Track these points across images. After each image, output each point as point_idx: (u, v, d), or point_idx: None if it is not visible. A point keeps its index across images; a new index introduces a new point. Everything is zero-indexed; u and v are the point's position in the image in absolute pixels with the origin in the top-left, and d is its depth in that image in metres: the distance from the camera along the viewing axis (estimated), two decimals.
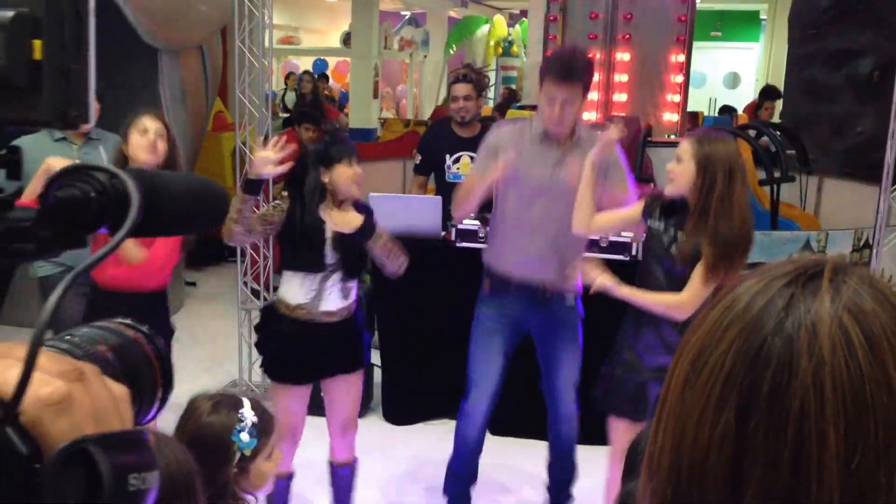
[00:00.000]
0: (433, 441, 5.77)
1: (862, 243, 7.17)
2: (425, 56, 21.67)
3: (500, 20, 22.28)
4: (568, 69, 4.13)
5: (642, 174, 7.85)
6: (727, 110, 13.71)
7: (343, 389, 4.35)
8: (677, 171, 3.81)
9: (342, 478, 4.50)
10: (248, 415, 2.69)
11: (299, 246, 4.10)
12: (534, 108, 10.56)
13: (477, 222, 5.99)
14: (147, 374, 0.83)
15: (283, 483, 4.28)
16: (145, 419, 0.83)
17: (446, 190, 6.39)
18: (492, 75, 23.01)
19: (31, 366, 0.65)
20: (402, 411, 6.31)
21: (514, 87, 19.61)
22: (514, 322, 4.52)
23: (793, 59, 12.24)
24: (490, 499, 5.14)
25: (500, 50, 22.03)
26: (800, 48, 11.98)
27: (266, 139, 6.68)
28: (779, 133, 9.44)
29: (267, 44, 6.93)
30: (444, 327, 5.97)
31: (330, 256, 4.13)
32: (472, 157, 6.23)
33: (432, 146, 6.59)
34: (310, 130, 9.81)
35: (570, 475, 4.73)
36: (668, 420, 0.93)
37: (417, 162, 6.72)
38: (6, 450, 0.64)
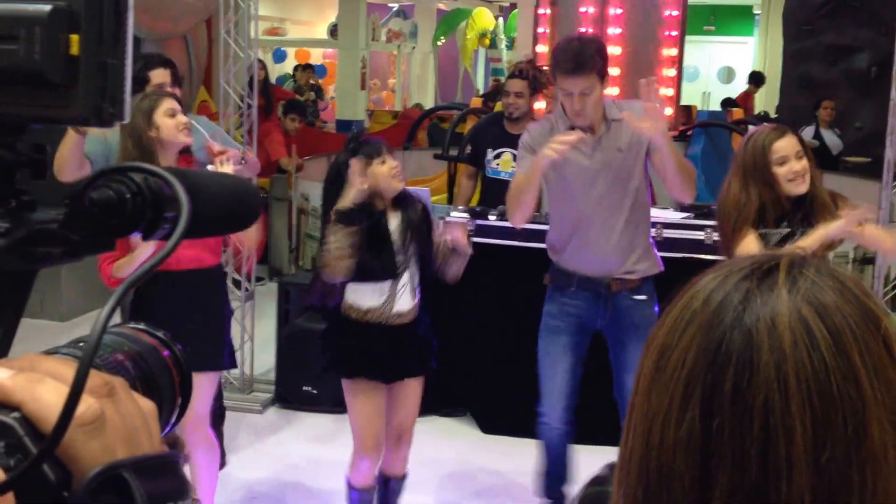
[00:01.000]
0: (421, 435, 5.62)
1: None
2: (413, 48, 21.56)
3: (481, 12, 22.15)
4: (578, 61, 3.99)
5: None
6: (729, 104, 13.63)
7: (406, 395, 4.18)
8: (805, 166, 3.70)
9: (392, 491, 4.33)
10: None
11: (367, 257, 3.87)
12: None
13: (465, 215, 5.90)
14: (166, 384, 0.79)
15: (368, 496, 4.17)
16: (164, 432, 0.77)
17: (486, 184, 6.42)
18: (481, 67, 22.97)
19: (78, 392, 0.62)
20: None
21: (501, 78, 19.51)
22: (578, 320, 4.34)
23: (788, 54, 12.21)
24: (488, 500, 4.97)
25: (488, 42, 21.93)
26: (795, 43, 11.98)
27: (251, 131, 6.66)
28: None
29: (252, 35, 6.84)
30: (434, 320, 5.82)
31: (400, 258, 3.95)
32: (514, 155, 6.14)
33: (479, 138, 6.52)
34: (295, 121, 9.70)
35: None
36: (637, 422, 0.92)
37: (468, 152, 6.65)
38: (35, 477, 0.62)
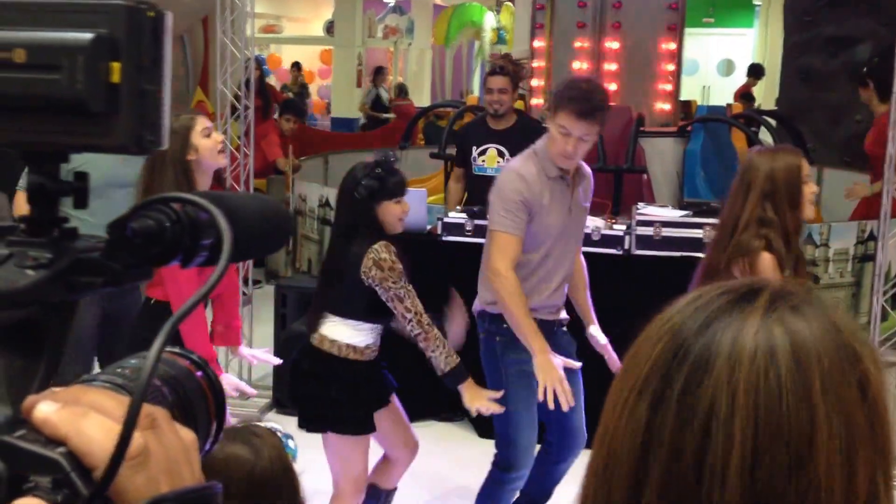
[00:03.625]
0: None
1: (866, 235, 7.04)
2: (410, 44, 21.49)
3: (479, 8, 22.02)
4: (593, 105, 3.91)
5: (635, 164, 7.64)
6: (746, 98, 13.39)
7: (396, 410, 4.16)
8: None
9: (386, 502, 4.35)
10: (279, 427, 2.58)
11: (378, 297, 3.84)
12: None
13: (464, 215, 5.92)
14: (201, 409, 0.79)
15: None
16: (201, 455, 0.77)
17: (472, 182, 6.44)
18: (477, 63, 22.87)
19: (129, 433, 0.63)
20: None
21: None
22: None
23: (788, 46, 12.14)
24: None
25: (495, 38, 21.83)
26: (795, 35, 11.89)
27: (248, 132, 6.62)
28: (775, 122, 9.34)
29: (249, 33, 6.84)
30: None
31: None
32: (498, 150, 6.19)
33: (464, 137, 6.56)
34: (290, 121, 9.66)
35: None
36: (604, 410, 0.95)
37: (454, 154, 6.70)
38: None
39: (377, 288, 3.78)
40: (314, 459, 4.16)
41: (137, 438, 0.65)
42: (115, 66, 0.71)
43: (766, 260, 3.53)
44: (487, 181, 6.05)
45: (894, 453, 0.88)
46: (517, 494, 4.35)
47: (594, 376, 4.24)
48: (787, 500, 0.83)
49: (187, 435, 0.72)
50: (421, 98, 20.18)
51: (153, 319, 3.96)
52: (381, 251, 3.76)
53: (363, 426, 3.93)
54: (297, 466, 2.35)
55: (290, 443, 2.66)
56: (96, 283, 0.75)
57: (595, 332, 4.42)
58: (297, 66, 17.81)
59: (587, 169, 4.26)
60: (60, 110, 0.71)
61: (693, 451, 0.84)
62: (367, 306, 3.86)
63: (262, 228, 0.88)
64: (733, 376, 0.85)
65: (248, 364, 6.21)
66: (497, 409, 3.87)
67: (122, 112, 0.72)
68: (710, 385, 0.85)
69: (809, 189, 3.67)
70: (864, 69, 7.45)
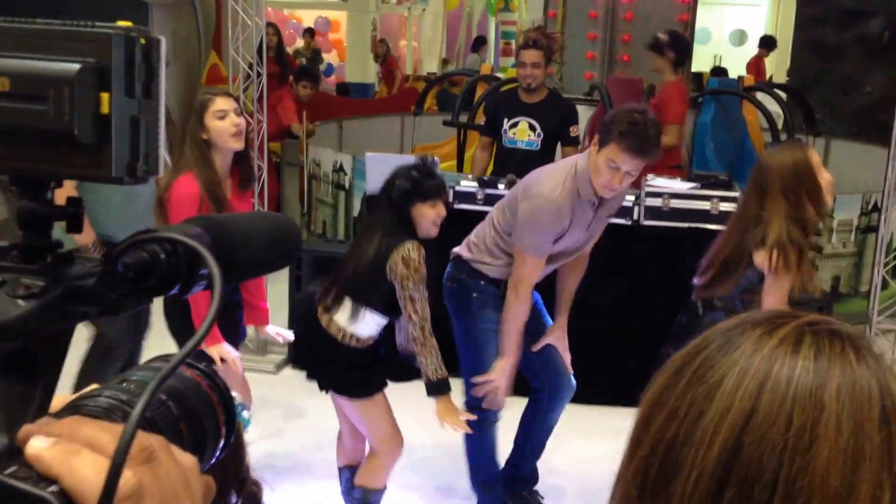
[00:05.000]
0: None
1: (870, 207, 7.10)
2: (424, 9, 21.40)
3: None
4: (647, 143, 3.80)
5: None
6: (770, 85, 13.34)
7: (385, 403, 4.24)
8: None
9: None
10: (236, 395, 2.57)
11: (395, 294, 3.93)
12: None
13: (475, 184, 5.92)
14: (210, 420, 0.78)
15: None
16: (206, 466, 0.76)
17: (502, 154, 6.42)
18: (492, 30, 22.81)
19: (114, 484, 0.61)
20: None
21: (512, 42, 19.39)
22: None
23: (801, 18, 12.12)
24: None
25: (502, 4, 21.75)
26: (809, 7, 11.86)
27: (261, 98, 6.69)
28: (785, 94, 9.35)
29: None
30: (439, 287, 5.89)
31: None
32: (530, 124, 6.21)
33: (496, 108, 6.51)
34: (307, 87, 9.70)
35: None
36: None
37: (483, 122, 6.64)
38: None
39: (396, 284, 3.85)
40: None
41: (130, 478, 0.63)
42: (105, 96, 0.69)
43: (785, 253, 3.62)
44: (518, 154, 6.16)
45: None
46: (497, 428, 4.54)
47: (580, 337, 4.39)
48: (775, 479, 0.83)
49: (187, 460, 0.70)
50: (433, 64, 20.16)
51: (176, 303, 4.10)
52: (412, 251, 3.82)
53: (371, 387, 4.06)
54: (247, 437, 2.38)
55: (245, 413, 2.59)
56: (91, 313, 0.74)
57: (559, 325, 4.55)
58: (310, 31, 17.80)
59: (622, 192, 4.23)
60: (49, 141, 0.69)
61: (667, 444, 0.88)
62: (384, 300, 3.93)
63: (263, 249, 0.86)
64: (711, 393, 0.87)
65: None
66: (466, 429, 4.14)
67: (114, 143, 0.70)
68: (686, 391, 0.89)
69: (825, 178, 3.72)
70: (665, 38, 7.39)
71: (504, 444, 4.77)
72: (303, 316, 4.25)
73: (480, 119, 6.99)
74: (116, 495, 0.61)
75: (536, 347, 4.46)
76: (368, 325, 3.99)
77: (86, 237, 4.43)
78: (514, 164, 6.00)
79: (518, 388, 4.61)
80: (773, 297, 3.63)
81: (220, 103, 4.04)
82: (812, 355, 0.87)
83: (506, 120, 6.32)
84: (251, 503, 2.25)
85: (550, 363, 4.55)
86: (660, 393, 0.92)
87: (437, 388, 3.97)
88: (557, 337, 4.53)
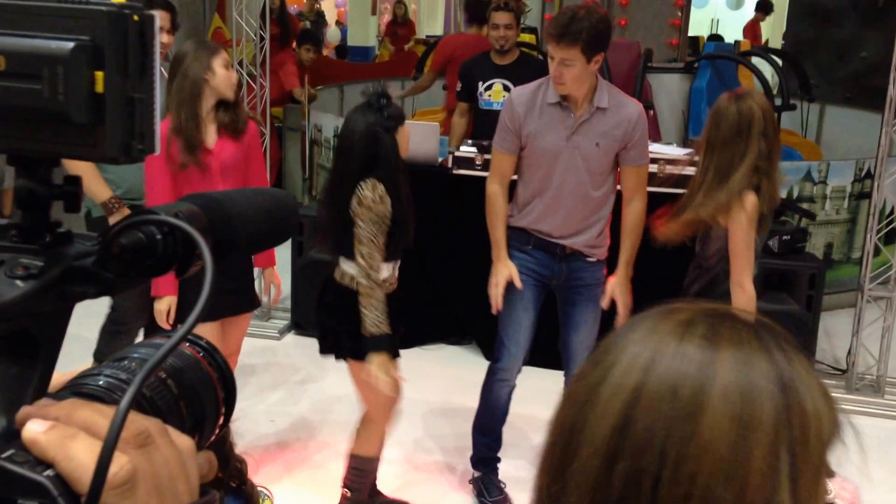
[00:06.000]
0: (429, 363, 5.89)
1: (864, 173, 7.18)
2: None
3: None
4: (564, 30, 3.97)
5: (642, 100, 7.76)
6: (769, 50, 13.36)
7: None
8: None
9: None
10: None
11: (398, 232, 3.83)
12: (534, 30, 10.47)
13: (474, 149, 6.01)
14: (210, 398, 0.78)
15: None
16: (204, 445, 0.78)
17: (480, 117, 6.58)
18: None
19: (103, 476, 0.61)
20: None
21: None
22: (538, 277, 4.38)
23: None
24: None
25: None
26: None
27: (264, 63, 6.77)
28: (780, 59, 9.38)
29: None
30: (441, 253, 6.05)
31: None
32: (504, 85, 6.36)
33: (470, 73, 6.66)
34: (310, 51, 9.70)
35: None
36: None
37: (458, 89, 6.77)
38: None
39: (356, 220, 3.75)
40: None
41: (125, 465, 0.63)
42: (99, 75, 0.69)
43: (751, 201, 3.75)
44: (494, 116, 6.18)
45: (812, 436, 0.88)
46: (506, 390, 4.53)
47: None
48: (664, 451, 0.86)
49: (184, 443, 0.70)
50: (434, 27, 20.10)
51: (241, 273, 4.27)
52: (365, 188, 3.71)
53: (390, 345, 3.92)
54: (251, 400, 2.42)
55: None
56: (89, 293, 0.73)
57: (618, 280, 4.39)
58: None
59: (630, 109, 4.21)
60: (44, 119, 0.68)
61: (568, 427, 0.93)
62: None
63: (263, 226, 0.87)
64: (607, 381, 0.91)
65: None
66: (389, 392, 3.90)
67: (108, 122, 0.69)
68: (590, 376, 0.94)
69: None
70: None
71: (524, 414, 4.79)
72: (310, 275, 4.15)
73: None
74: (111, 482, 0.61)
75: (605, 302, 4.38)
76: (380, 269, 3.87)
77: (102, 195, 4.56)
78: (492, 125, 6.02)
79: (542, 359, 4.67)
80: (735, 238, 3.80)
81: (227, 56, 4.26)
82: (705, 336, 0.90)
83: (480, 83, 6.50)
84: (237, 479, 2.27)
85: (568, 343, 4.54)
86: (573, 382, 0.96)
87: (376, 344, 3.78)
88: (618, 291, 4.36)
